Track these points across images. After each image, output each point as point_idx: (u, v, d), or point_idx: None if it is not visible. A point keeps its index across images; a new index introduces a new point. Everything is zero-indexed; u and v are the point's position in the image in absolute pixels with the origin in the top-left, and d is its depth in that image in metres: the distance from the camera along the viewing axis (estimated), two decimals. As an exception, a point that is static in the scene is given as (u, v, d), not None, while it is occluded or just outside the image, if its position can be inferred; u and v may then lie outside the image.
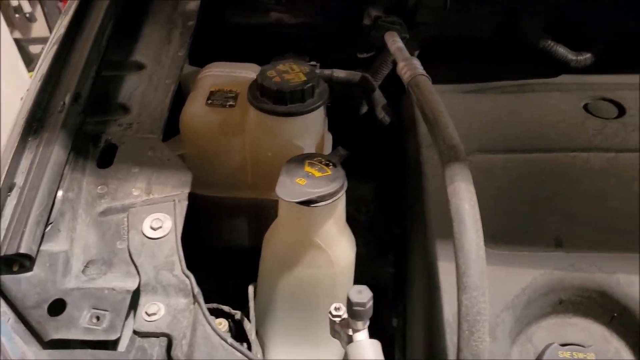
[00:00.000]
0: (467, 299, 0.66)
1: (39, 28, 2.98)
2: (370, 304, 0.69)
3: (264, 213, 0.96)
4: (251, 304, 0.91)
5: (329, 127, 1.12)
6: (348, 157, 0.94)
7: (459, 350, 0.66)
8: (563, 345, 0.81)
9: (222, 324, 0.92)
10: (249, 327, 0.89)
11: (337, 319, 0.74)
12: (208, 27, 1.25)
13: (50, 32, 3.00)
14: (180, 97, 1.04)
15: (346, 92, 1.27)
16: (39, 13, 2.98)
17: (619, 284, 0.83)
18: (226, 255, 1.12)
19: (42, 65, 0.96)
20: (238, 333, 0.93)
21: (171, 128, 0.98)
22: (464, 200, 0.70)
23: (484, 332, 0.66)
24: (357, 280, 0.90)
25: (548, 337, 0.83)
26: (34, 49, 2.79)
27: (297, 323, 0.92)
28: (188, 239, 0.83)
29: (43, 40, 2.91)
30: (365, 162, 1.24)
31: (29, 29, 2.92)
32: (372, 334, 0.72)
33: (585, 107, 1.04)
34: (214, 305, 0.93)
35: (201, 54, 1.16)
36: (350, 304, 0.69)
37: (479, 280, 0.66)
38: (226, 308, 0.93)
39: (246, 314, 0.92)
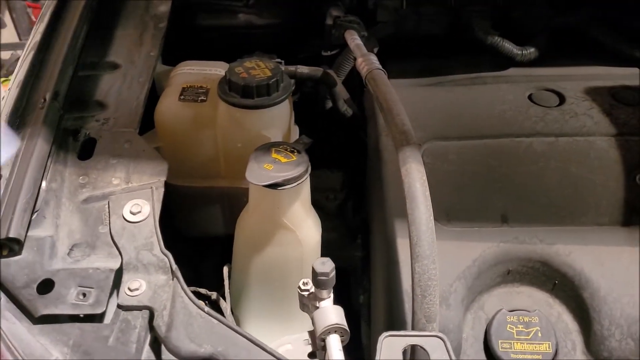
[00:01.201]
0: (419, 266, 0.74)
1: (7, 34, 2.99)
2: (333, 274, 0.76)
3: (236, 201, 1.03)
4: (226, 282, 0.97)
5: (299, 121, 1.19)
6: (319, 148, 1.01)
7: (413, 313, 0.74)
8: (511, 311, 0.89)
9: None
10: (225, 305, 0.95)
11: (306, 293, 0.81)
12: (180, 29, 1.31)
13: (20, 37, 3.00)
14: (154, 94, 1.10)
15: (314, 88, 1.34)
16: (7, 19, 2.98)
17: (558, 254, 0.91)
18: (202, 243, 1.18)
19: (22, 68, 1.01)
20: (215, 313, 0.99)
21: (147, 124, 1.05)
22: (416, 180, 0.78)
23: (435, 296, 0.74)
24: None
25: (498, 304, 0.92)
26: (3, 54, 2.79)
27: (270, 300, 0.99)
28: (166, 228, 0.89)
29: (12, 46, 2.92)
30: (335, 152, 1.32)
31: (-2, 35, 2.93)
32: (344, 313, 0.79)
33: (530, 97, 1.12)
34: (192, 288, 0.99)
35: (174, 54, 1.22)
36: (315, 274, 0.76)
37: (429, 250, 0.74)
38: (203, 290, 1.00)
39: (222, 294, 0.99)
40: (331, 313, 0.76)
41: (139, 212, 0.83)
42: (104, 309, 0.74)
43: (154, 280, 0.77)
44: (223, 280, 1.00)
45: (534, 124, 1.06)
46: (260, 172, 0.85)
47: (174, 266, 0.78)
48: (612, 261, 0.90)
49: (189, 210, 1.12)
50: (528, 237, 0.93)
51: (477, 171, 1.01)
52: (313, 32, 1.36)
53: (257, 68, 1.00)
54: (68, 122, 0.96)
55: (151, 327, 0.74)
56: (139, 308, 0.75)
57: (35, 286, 0.76)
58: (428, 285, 0.73)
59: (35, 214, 0.82)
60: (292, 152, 0.88)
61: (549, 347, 0.86)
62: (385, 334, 0.69)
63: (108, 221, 0.82)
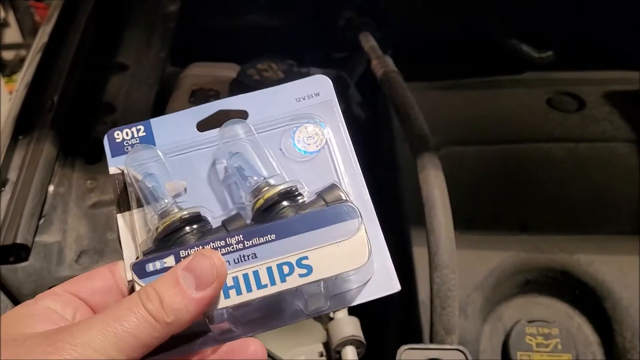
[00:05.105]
0: (438, 276, 0.71)
1: (11, 34, 2.97)
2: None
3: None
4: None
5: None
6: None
7: (432, 324, 0.72)
8: (530, 322, 0.87)
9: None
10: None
11: (319, 303, 0.78)
12: (188, 30, 1.28)
13: (23, 37, 2.99)
14: (163, 97, 1.08)
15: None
16: (11, 19, 2.96)
17: (580, 264, 0.89)
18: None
19: (29, 70, 0.99)
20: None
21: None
22: (434, 187, 0.76)
23: (454, 307, 0.71)
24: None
25: (516, 315, 0.89)
26: (6, 54, 2.77)
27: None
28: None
29: (16, 46, 2.91)
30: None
31: (1, 34, 2.91)
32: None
33: (548, 101, 1.10)
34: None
35: (183, 55, 1.20)
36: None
37: (448, 260, 0.72)
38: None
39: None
40: (346, 324, 0.73)
41: (148, 218, 0.80)
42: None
43: (163, 289, 0.75)
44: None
45: (553, 129, 1.03)
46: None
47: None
48: (635, 271, 0.87)
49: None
50: (548, 246, 0.90)
51: (495, 177, 0.99)
52: (324, 33, 1.34)
53: (270, 70, 0.98)
54: (76, 124, 0.94)
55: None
56: (148, 318, 0.73)
57: (42, 294, 0.74)
58: (447, 296, 0.71)
59: (43, 219, 0.80)
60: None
61: (569, 360, 0.83)
62: (404, 346, 0.67)
63: (116, 227, 0.80)
